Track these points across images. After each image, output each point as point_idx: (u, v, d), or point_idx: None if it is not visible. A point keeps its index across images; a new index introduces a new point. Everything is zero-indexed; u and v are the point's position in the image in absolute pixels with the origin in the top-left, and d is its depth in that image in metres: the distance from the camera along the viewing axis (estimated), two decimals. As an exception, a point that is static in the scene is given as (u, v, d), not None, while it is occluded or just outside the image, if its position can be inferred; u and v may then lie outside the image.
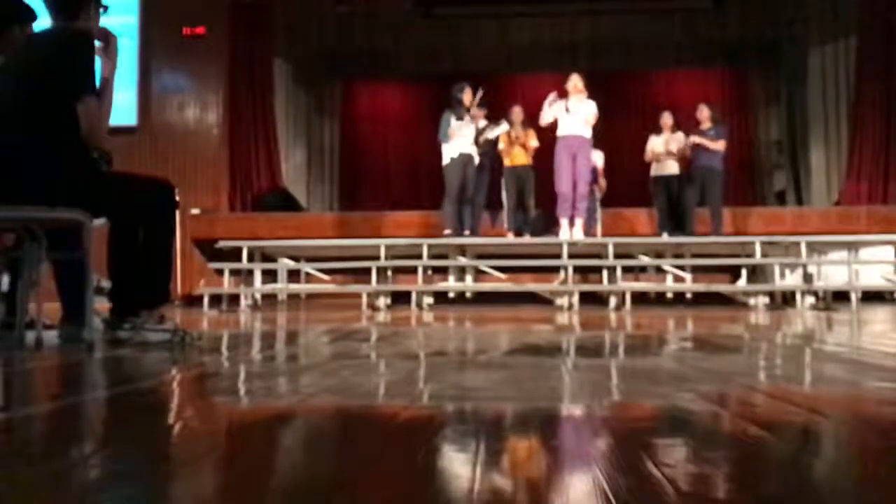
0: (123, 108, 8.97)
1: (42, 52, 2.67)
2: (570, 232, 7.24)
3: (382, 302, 7.07)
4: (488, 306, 6.92)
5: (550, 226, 7.66)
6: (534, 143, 7.65)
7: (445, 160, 7.24)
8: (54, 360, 2.40)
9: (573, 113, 7.07)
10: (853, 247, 7.34)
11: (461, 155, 7.18)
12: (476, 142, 7.28)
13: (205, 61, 9.54)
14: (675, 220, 7.81)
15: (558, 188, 7.19)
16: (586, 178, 7.19)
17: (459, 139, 7.16)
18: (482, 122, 7.41)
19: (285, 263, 7.71)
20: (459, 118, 7.18)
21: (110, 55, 2.76)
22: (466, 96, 7.24)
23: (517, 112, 7.72)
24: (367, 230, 8.22)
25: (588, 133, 7.16)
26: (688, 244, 7.50)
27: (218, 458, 1.06)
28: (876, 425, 1.25)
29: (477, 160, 7.33)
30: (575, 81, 7.16)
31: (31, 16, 2.96)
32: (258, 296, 7.52)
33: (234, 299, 7.29)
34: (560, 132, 7.15)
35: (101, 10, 2.85)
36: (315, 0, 10.59)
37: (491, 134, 7.43)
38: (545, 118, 7.15)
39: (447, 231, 7.29)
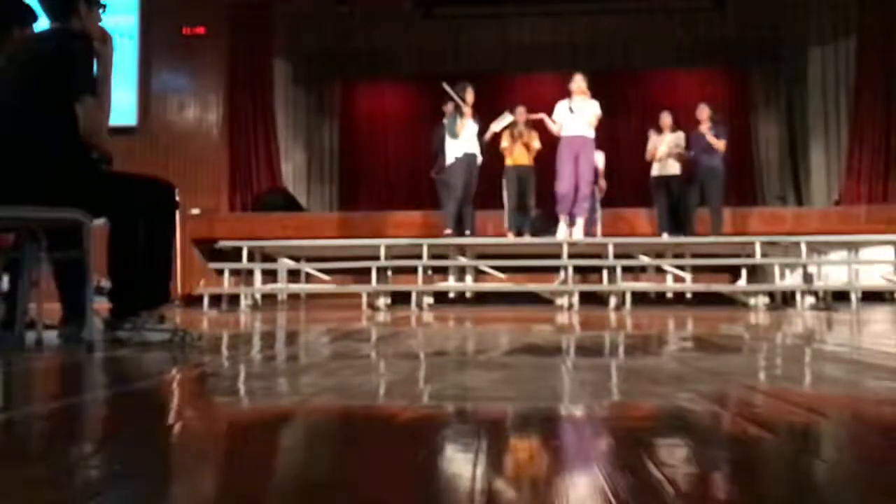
0: (123, 108, 8.97)
1: (41, 52, 2.67)
2: (570, 231, 7.25)
3: (382, 302, 7.07)
4: (488, 306, 6.92)
5: (550, 226, 7.67)
6: (536, 144, 7.65)
7: (450, 160, 7.24)
8: (54, 360, 2.40)
9: (577, 113, 7.08)
10: (853, 247, 7.34)
11: (466, 155, 7.19)
12: (480, 137, 7.28)
13: (205, 61, 9.54)
14: (676, 221, 7.82)
15: (559, 188, 7.20)
16: (589, 179, 7.19)
17: (464, 139, 7.17)
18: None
19: (285, 263, 7.71)
20: (462, 115, 7.19)
21: (106, 55, 2.76)
22: (469, 95, 7.25)
23: (520, 112, 7.72)
24: (367, 230, 8.22)
25: (591, 133, 7.17)
26: (688, 244, 7.50)
27: (218, 458, 1.06)
28: (876, 425, 1.25)
29: (480, 160, 7.32)
30: (578, 82, 7.17)
31: (32, 16, 2.96)
32: (258, 296, 7.52)
33: (234, 299, 7.29)
34: (564, 132, 7.16)
35: (101, 9, 2.85)
36: (315, 0, 10.59)
37: (497, 126, 7.42)
38: (554, 128, 7.19)
39: (448, 231, 7.29)
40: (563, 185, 7.15)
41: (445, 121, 7.36)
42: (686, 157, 7.74)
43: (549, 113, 7.34)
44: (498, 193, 7.94)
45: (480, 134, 7.33)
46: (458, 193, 7.20)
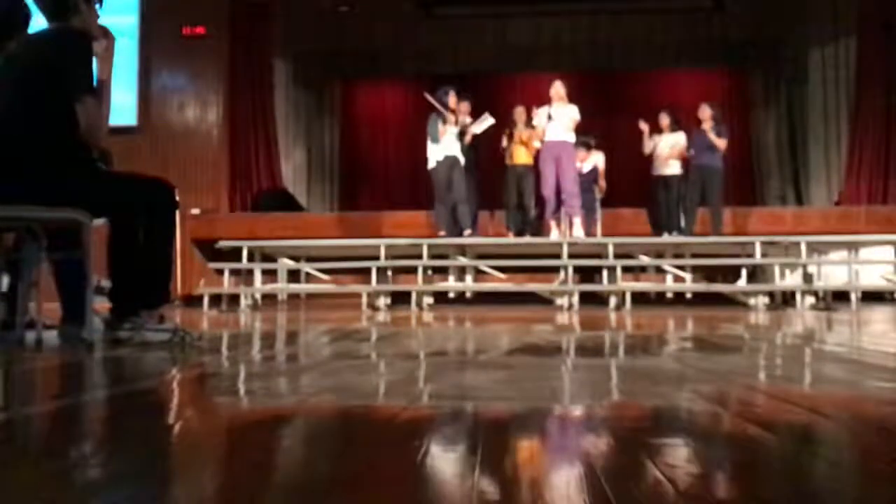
0: (123, 108, 8.96)
1: (41, 51, 2.67)
2: (570, 231, 7.28)
3: (382, 302, 7.06)
4: (488, 306, 6.92)
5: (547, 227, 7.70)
6: (537, 143, 7.65)
7: (431, 163, 7.29)
8: (54, 360, 2.40)
9: (556, 119, 7.17)
10: (853, 247, 7.34)
11: (447, 157, 7.21)
12: (461, 139, 7.29)
13: (205, 61, 9.54)
14: (675, 220, 7.81)
15: (543, 192, 7.30)
16: (573, 177, 7.23)
17: (446, 142, 7.20)
18: (467, 119, 7.43)
19: (285, 263, 7.71)
20: (445, 121, 7.21)
21: (107, 54, 2.76)
22: (451, 99, 7.28)
23: (520, 112, 7.73)
24: (367, 230, 8.22)
25: (571, 137, 7.27)
26: (688, 244, 7.50)
27: (218, 458, 1.06)
28: (876, 425, 1.25)
29: (463, 161, 7.32)
30: (557, 88, 7.27)
31: (29, 17, 2.95)
32: (258, 296, 7.51)
33: (234, 299, 7.29)
34: (544, 138, 7.25)
35: (98, 5, 2.84)
36: (315, 0, 10.59)
37: (477, 129, 7.42)
38: (539, 132, 7.27)
39: (441, 232, 7.31)
40: (545, 189, 7.27)
41: (429, 123, 7.36)
42: (687, 157, 7.72)
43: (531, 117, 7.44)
44: (498, 193, 7.95)
45: (462, 136, 7.34)
46: (443, 195, 7.24)
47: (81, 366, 2.24)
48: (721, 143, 7.58)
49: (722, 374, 1.91)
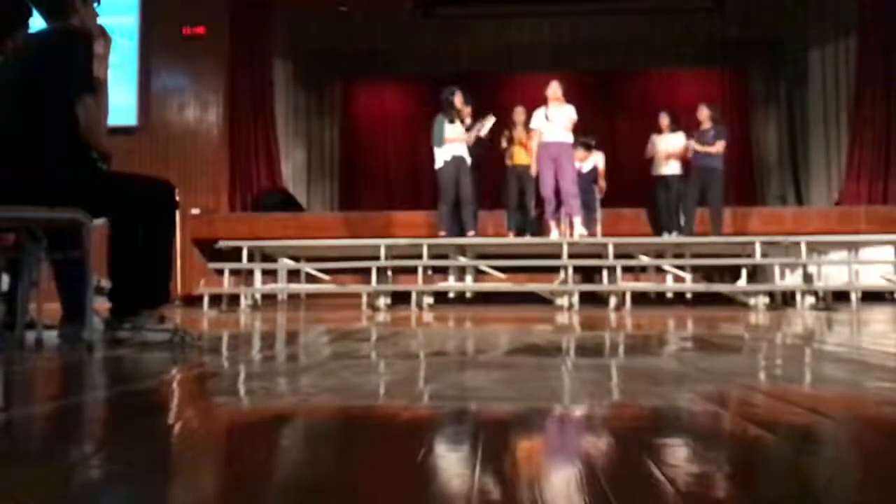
0: (123, 108, 8.96)
1: (41, 51, 2.67)
2: (570, 232, 7.29)
3: (382, 302, 7.07)
4: (488, 306, 6.92)
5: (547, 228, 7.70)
6: (535, 144, 7.66)
7: (438, 163, 7.29)
8: (54, 360, 2.40)
9: (553, 120, 7.18)
10: (853, 247, 7.34)
11: (454, 157, 7.22)
12: (467, 140, 7.30)
13: (205, 61, 9.53)
14: (675, 220, 7.81)
15: (542, 193, 7.31)
16: (572, 177, 7.23)
17: (452, 142, 7.20)
18: (468, 121, 7.44)
19: (285, 263, 7.71)
20: (451, 121, 7.22)
21: (104, 54, 2.76)
22: (457, 99, 7.28)
23: (519, 112, 7.75)
24: (367, 230, 8.22)
25: (569, 138, 7.29)
26: (688, 244, 7.50)
27: (218, 458, 1.06)
28: (876, 425, 1.25)
29: (469, 161, 7.33)
30: (554, 88, 7.29)
31: (29, 15, 2.95)
32: (258, 296, 7.51)
33: (234, 299, 7.29)
34: (542, 139, 7.26)
35: (95, 3, 2.84)
36: (315, 0, 10.59)
37: (483, 130, 7.44)
38: (537, 133, 7.30)
39: (441, 232, 7.32)
40: (544, 189, 7.28)
41: (435, 123, 7.36)
42: (688, 157, 7.72)
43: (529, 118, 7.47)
44: (498, 193, 7.95)
45: (468, 133, 7.35)
46: (449, 195, 7.25)
47: (81, 366, 2.24)
48: (718, 147, 7.57)
49: (722, 374, 1.91)
